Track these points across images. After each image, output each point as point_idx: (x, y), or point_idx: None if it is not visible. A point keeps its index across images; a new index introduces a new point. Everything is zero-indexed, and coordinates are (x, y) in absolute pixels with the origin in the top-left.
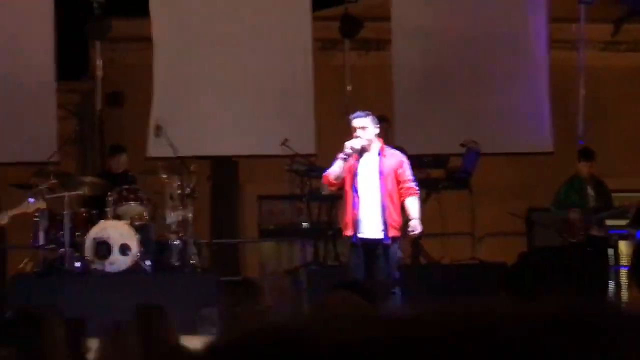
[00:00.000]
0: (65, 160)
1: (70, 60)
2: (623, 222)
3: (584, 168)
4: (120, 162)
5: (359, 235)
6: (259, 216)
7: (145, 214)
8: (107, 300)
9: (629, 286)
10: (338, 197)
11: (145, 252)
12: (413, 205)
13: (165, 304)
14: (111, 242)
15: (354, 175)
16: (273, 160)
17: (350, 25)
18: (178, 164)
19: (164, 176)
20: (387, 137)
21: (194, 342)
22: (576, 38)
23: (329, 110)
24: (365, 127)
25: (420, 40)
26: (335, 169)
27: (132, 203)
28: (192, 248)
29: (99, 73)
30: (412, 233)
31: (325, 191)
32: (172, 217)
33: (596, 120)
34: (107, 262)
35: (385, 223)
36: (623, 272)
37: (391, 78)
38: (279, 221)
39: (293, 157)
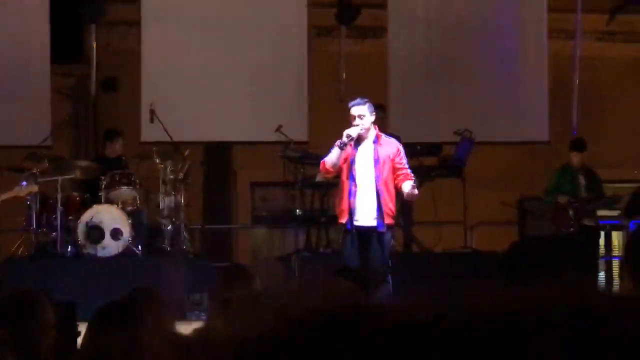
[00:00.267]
0: (59, 144)
1: (66, 44)
2: (616, 213)
3: (575, 158)
4: (117, 147)
5: (355, 223)
6: (252, 202)
7: (137, 198)
8: (99, 284)
9: (621, 277)
10: (332, 185)
11: (137, 237)
12: (408, 183)
13: (156, 289)
14: (103, 226)
15: (350, 162)
16: (267, 146)
17: (347, 12)
18: (171, 149)
19: (157, 161)
20: (383, 125)
21: (184, 328)
22: (572, 28)
23: (324, 98)
24: (363, 115)
25: (416, 28)
26: (332, 157)
27: (125, 188)
28: (184, 233)
29: (94, 57)
30: (411, 186)
31: (319, 178)
32: (165, 202)
33: (591, 110)
34: (99, 247)
35: (380, 211)
36: (615, 262)
37: (386, 66)
38: (271, 208)
39: (287, 144)
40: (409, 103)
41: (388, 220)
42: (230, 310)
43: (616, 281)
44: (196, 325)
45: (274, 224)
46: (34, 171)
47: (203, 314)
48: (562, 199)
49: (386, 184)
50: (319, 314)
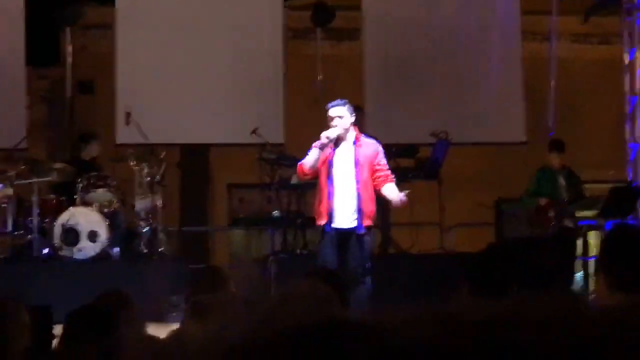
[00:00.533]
0: (35, 147)
1: (41, 47)
2: (592, 213)
3: (555, 159)
4: (93, 150)
5: (333, 225)
6: (229, 204)
7: (114, 200)
8: (75, 287)
9: (596, 277)
10: (308, 186)
11: (113, 239)
12: (393, 191)
13: (133, 292)
14: (79, 228)
15: (329, 164)
16: (244, 148)
17: (323, 15)
18: (147, 152)
19: (133, 163)
20: (361, 126)
21: (161, 331)
22: (548, 30)
23: (300, 100)
24: (342, 116)
25: (391, 30)
26: (311, 159)
27: (101, 190)
28: (160, 236)
29: (69, 60)
30: (404, 196)
31: (295, 180)
32: (141, 204)
33: (567, 111)
34: (75, 249)
35: (360, 212)
36: (592, 262)
37: (362, 68)
38: (249, 209)
39: (263, 146)
40: (385, 105)
41: (367, 222)
42: (205, 313)
43: (592, 281)
44: (173, 327)
45: (251, 225)
46: (9, 174)
47: (181, 317)
48: (542, 201)
49: (365, 186)
50: (301, 328)
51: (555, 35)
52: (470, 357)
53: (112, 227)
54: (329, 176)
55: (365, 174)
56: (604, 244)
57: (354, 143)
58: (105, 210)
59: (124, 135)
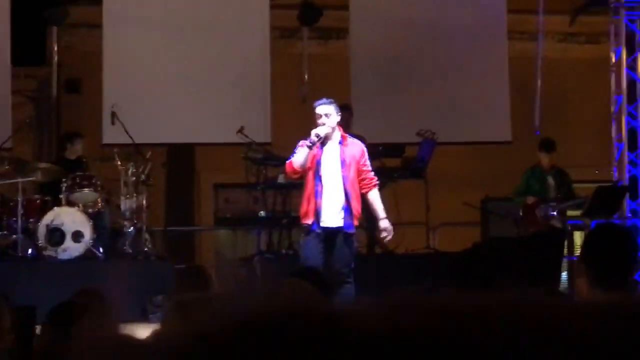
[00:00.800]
0: (21, 147)
1: (28, 46)
2: (578, 213)
3: (544, 159)
4: (78, 149)
5: (321, 224)
6: (215, 204)
7: (99, 200)
8: (60, 287)
9: (578, 275)
10: (294, 186)
11: (98, 239)
12: (377, 200)
13: (117, 292)
14: (64, 228)
15: (317, 163)
16: (230, 148)
17: (309, 14)
18: (133, 151)
19: (119, 163)
20: (349, 125)
21: (145, 331)
22: (534, 29)
23: (286, 99)
24: (330, 114)
25: (378, 29)
26: (301, 157)
27: (86, 190)
28: (145, 235)
29: (55, 59)
30: (386, 239)
31: (282, 179)
32: (127, 204)
33: (554, 111)
34: (60, 249)
35: (348, 211)
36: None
37: (349, 67)
38: (235, 209)
39: (249, 145)
40: (371, 104)
41: (355, 222)
42: (186, 312)
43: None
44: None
45: (237, 225)
46: None
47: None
48: (529, 199)
49: (353, 185)
50: (266, 315)
51: (542, 35)
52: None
53: (97, 227)
54: (317, 175)
55: (352, 173)
56: (586, 242)
57: (340, 142)
58: (90, 210)
59: (110, 135)
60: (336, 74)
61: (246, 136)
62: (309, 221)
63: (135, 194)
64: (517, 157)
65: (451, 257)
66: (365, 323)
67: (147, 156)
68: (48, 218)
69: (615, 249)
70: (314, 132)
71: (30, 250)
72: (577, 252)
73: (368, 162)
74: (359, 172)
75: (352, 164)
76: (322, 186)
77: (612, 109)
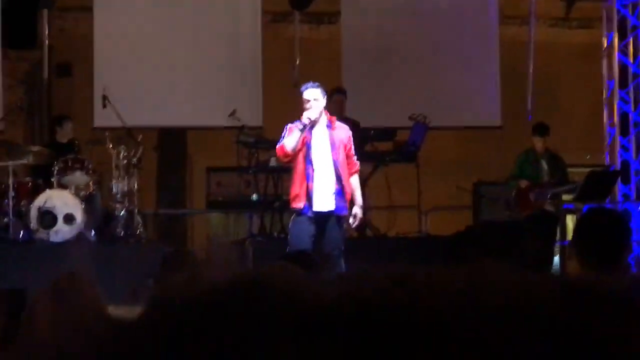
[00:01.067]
0: (12, 130)
1: (19, 29)
2: (570, 197)
3: (538, 143)
4: (67, 132)
5: (313, 208)
6: (207, 187)
7: (91, 183)
8: (51, 269)
9: (569, 259)
10: (285, 170)
11: (90, 222)
12: (357, 187)
13: (108, 275)
14: (56, 211)
15: (307, 146)
16: (222, 131)
17: None
18: (124, 135)
19: (110, 146)
20: (343, 109)
21: (133, 312)
22: (527, 14)
23: (278, 83)
24: (317, 98)
25: (368, 13)
26: (292, 141)
27: (78, 173)
28: (137, 218)
29: (46, 42)
30: (353, 224)
31: (273, 163)
32: (118, 187)
33: (546, 95)
34: (51, 232)
35: (340, 194)
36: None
37: (341, 51)
38: (227, 193)
39: (241, 129)
40: (363, 88)
41: (346, 203)
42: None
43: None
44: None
45: (229, 208)
46: None
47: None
48: (522, 183)
49: (343, 167)
50: (217, 291)
51: (534, 19)
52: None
53: (89, 210)
54: (307, 158)
55: (342, 156)
56: (577, 227)
57: (329, 126)
58: (82, 193)
59: (102, 118)
60: (328, 58)
61: (238, 120)
62: (301, 204)
63: (126, 177)
64: (509, 141)
65: (443, 240)
66: (318, 294)
67: (139, 139)
68: (40, 201)
69: (606, 234)
70: (305, 115)
71: (21, 233)
72: (570, 236)
73: (353, 147)
74: (346, 155)
75: (341, 147)
76: (313, 169)
77: (604, 93)
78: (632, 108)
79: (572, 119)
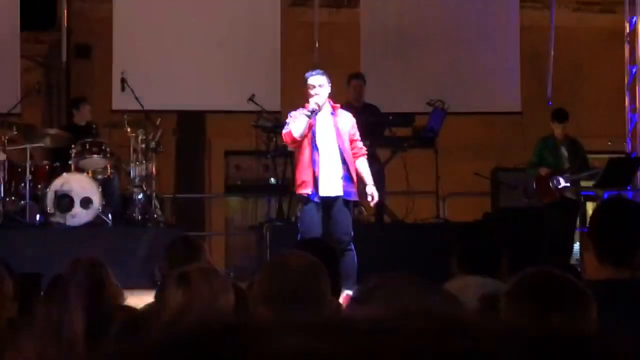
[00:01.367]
0: (30, 112)
1: (38, 10)
2: (590, 184)
3: (557, 129)
4: (85, 114)
5: (320, 194)
6: (226, 171)
7: (108, 167)
8: (68, 254)
9: (585, 250)
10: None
11: (107, 206)
12: (365, 168)
13: (126, 259)
14: (73, 195)
15: (312, 133)
16: (241, 115)
17: None
18: (143, 118)
19: (128, 129)
20: (362, 94)
21: (149, 298)
22: None
23: (297, 67)
24: (322, 85)
25: None
26: (301, 127)
27: (96, 156)
28: (155, 202)
29: (65, 24)
30: (372, 203)
31: (291, 148)
32: (136, 171)
33: (567, 81)
34: (68, 215)
35: (348, 179)
36: None
37: (360, 36)
38: (245, 177)
39: (259, 113)
40: (381, 73)
41: (354, 188)
42: (188, 284)
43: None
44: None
45: (247, 193)
46: (3, 139)
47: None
48: (542, 170)
49: (348, 153)
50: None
51: (556, 3)
52: None
53: (106, 193)
54: (313, 144)
55: (347, 142)
56: (594, 216)
57: (332, 113)
58: (99, 176)
59: (120, 101)
60: (347, 42)
61: (257, 104)
62: (308, 191)
63: (144, 161)
64: (528, 127)
65: (461, 226)
66: (269, 342)
67: (157, 123)
68: (57, 184)
69: (623, 224)
70: (313, 100)
71: (38, 217)
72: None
73: (358, 132)
74: (350, 141)
75: (345, 133)
76: (319, 155)
77: (626, 79)
78: None
79: (593, 105)
